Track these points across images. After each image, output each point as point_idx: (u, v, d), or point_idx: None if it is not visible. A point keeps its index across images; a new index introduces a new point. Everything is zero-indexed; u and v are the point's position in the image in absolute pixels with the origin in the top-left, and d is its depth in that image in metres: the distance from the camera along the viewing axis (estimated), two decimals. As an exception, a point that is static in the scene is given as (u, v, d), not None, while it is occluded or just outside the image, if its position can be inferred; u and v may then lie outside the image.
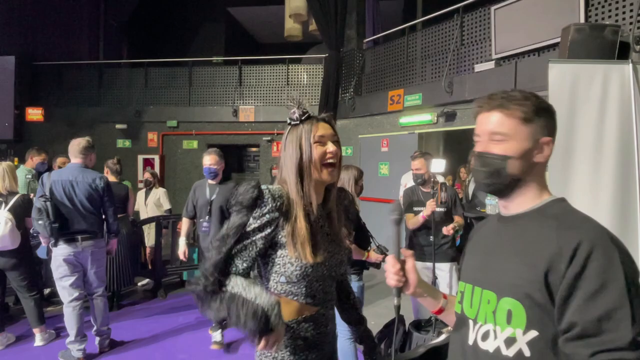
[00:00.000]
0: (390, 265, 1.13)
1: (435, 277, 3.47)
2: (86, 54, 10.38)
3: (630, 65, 2.77)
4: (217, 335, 3.62)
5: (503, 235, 1.03)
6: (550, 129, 1.00)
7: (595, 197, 2.67)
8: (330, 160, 1.30)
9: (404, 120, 6.49)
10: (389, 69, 7.10)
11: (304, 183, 1.28)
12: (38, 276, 4.05)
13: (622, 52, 3.23)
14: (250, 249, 1.24)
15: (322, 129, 1.31)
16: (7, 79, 8.32)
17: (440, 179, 4.17)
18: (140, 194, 5.90)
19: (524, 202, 1.02)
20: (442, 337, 2.08)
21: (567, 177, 2.72)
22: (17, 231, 3.50)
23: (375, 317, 4.40)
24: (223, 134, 8.86)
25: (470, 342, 1.00)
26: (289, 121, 1.33)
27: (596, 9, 4.25)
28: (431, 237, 3.32)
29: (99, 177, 3.43)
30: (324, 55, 7.86)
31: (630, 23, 3.84)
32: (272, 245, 1.27)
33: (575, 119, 2.76)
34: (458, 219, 3.54)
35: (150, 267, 5.59)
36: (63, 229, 3.27)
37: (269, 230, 1.24)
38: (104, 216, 3.51)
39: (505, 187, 1.02)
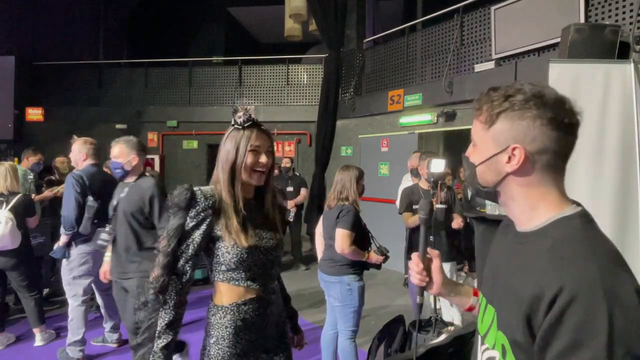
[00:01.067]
0: (414, 264, 1.13)
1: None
2: (86, 54, 10.39)
3: (632, 64, 2.77)
4: None
5: (509, 254, 0.92)
6: (517, 134, 0.82)
7: (596, 197, 2.67)
8: (260, 169, 1.46)
9: (404, 120, 6.48)
10: (389, 69, 7.10)
11: (235, 183, 1.43)
12: (38, 276, 4.05)
13: (622, 52, 3.23)
14: (192, 246, 1.37)
15: (260, 139, 1.46)
16: (7, 79, 8.31)
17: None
18: (141, 194, 5.90)
19: (521, 219, 0.88)
20: (442, 337, 2.08)
21: (568, 177, 2.70)
22: (18, 231, 3.51)
23: (375, 318, 4.40)
24: (223, 134, 8.81)
25: None
26: (232, 123, 1.47)
27: (596, 9, 4.25)
28: (431, 236, 3.32)
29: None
30: (324, 55, 7.85)
31: (630, 23, 3.84)
32: (211, 239, 1.41)
33: (575, 119, 2.76)
34: (460, 217, 3.54)
35: (150, 267, 5.59)
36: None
37: (204, 226, 1.37)
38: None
39: (485, 194, 0.93)
